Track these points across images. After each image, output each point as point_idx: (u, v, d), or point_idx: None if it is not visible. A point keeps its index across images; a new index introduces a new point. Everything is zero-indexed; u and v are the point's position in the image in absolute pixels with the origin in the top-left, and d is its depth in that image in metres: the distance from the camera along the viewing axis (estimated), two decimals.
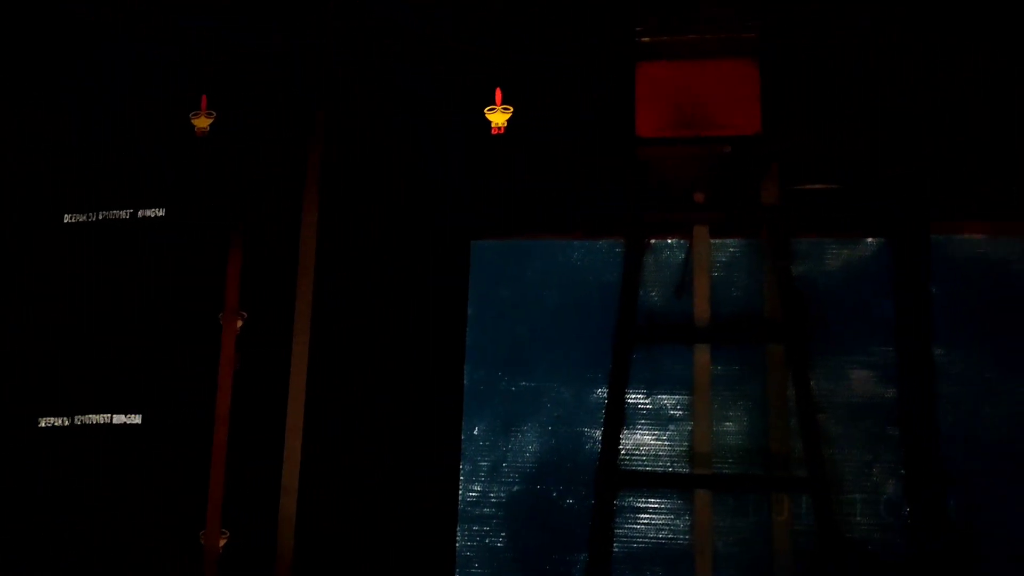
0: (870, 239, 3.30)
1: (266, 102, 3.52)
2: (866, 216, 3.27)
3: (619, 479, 3.07)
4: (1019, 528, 3.04)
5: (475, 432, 3.42)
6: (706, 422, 3.15)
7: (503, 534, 3.35)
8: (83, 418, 3.39)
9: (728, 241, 3.35)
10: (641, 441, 3.34)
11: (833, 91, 3.32)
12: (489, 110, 3.47)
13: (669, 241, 3.43)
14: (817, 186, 3.32)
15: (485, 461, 3.40)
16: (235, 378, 3.31)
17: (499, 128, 3.45)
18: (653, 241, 3.43)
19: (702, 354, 3.19)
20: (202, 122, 3.54)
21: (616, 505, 3.20)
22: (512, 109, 3.44)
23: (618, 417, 3.12)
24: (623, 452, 3.29)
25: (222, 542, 3.20)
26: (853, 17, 3.29)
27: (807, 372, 2.89)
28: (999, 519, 3.06)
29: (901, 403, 3.17)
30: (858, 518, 3.12)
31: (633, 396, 3.34)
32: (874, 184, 3.28)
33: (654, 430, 3.34)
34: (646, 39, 3.06)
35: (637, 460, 3.32)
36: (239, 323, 3.35)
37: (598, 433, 3.24)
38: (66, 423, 3.41)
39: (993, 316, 3.18)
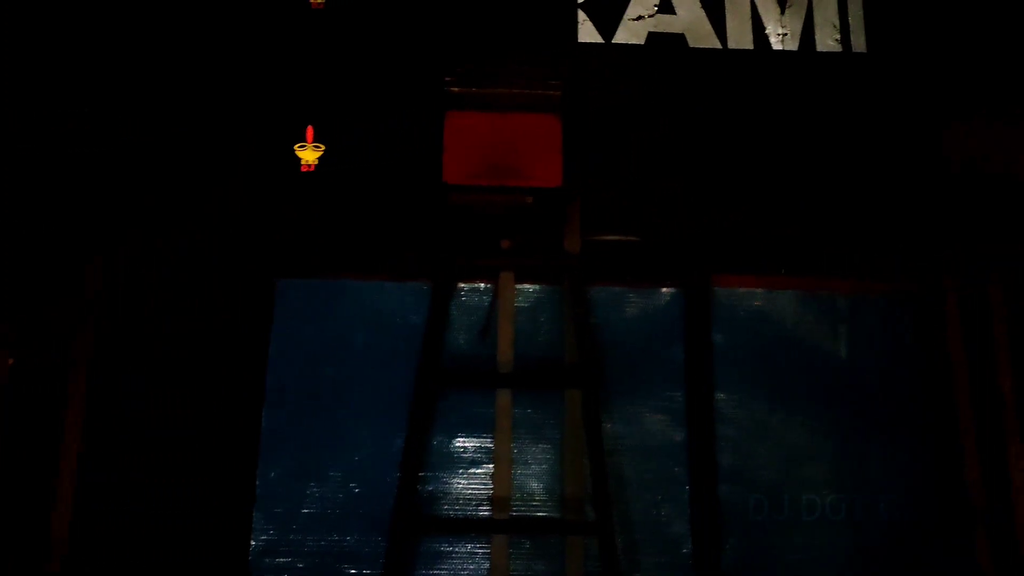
0: (664, 289, 3.46)
1: None
2: (658, 268, 3.43)
3: (414, 525, 3.02)
4: (789, 564, 3.25)
5: (271, 477, 3.26)
6: (506, 466, 3.16)
7: None
8: None
9: (533, 287, 3.42)
10: (442, 486, 3.30)
11: (632, 150, 3.49)
12: (299, 147, 3.37)
13: (479, 286, 3.45)
14: (617, 237, 3.46)
15: (280, 508, 3.24)
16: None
17: (309, 166, 3.37)
18: (462, 285, 3.45)
19: (504, 398, 3.22)
20: None
21: (416, 551, 3.15)
22: (324, 147, 3.37)
23: (416, 461, 3.08)
24: (424, 497, 3.24)
25: None
26: (652, 81, 3.50)
27: (599, 416, 2.98)
28: (773, 555, 3.26)
29: (689, 445, 3.33)
30: (645, 558, 3.22)
31: (436, 440, 3.31)
32: (668, 238, 3.46)
33: (455, 475, 3.32)
34: (455, 89, 3.10)
35: (438, 505, 3.28)
36: (9, 362, 3.04)
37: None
38: None
39: (767, 363, 3.42)
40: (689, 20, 3.52)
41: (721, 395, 3.38)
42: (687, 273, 3.41)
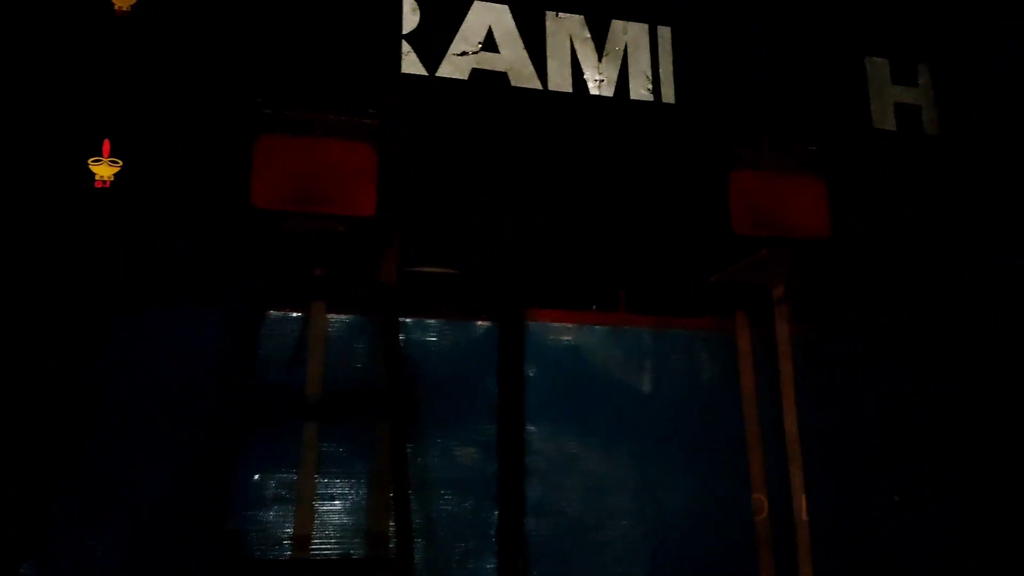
0: (479, 322, 3.47)
1: None
2: (474, 301, 3.44)
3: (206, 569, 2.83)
4: None
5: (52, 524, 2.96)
6: (308, 503, 3.03)
7: None
8: None
9: (347, 317, 3.32)
10: (248, 524, 3.11)
11: (453, 183, 3.50)
12: (94, 161, 3.13)
13: (291, 315, 3.31)
14: (433, 269, 3.44)
15: (63, 556, 2.94)
16: None
17: (104, 181, 3.13)
18: (272, 313, 3.30)
19: (310, 432, 3.09)
20: None
21: None
22: (121, 163, 3.15)
23: (218, 499, 2.89)
24: (229, 537, 3.05)
25: None
26: (474, 116, 3.54)
27: (404, 450, 2.92)
28: None
29: (500, 478, 3.33)
30: None
31: (242, 476, 3.13)
32: (484, 272, 3.48)
33: (260, 513, 3.15)
34: (269, 111, 2.99)
35: (242, 545, 3.09)
36: None
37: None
38: None
39: (577, 396, 3.49)
40: (512, 59, 3.59)
41: (532, 428, 3.40)
42: (502, 307, 3.43)
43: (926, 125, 4.17)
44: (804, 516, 3.43)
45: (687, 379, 3.63)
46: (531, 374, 3.46)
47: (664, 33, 3.88)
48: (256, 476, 3.15)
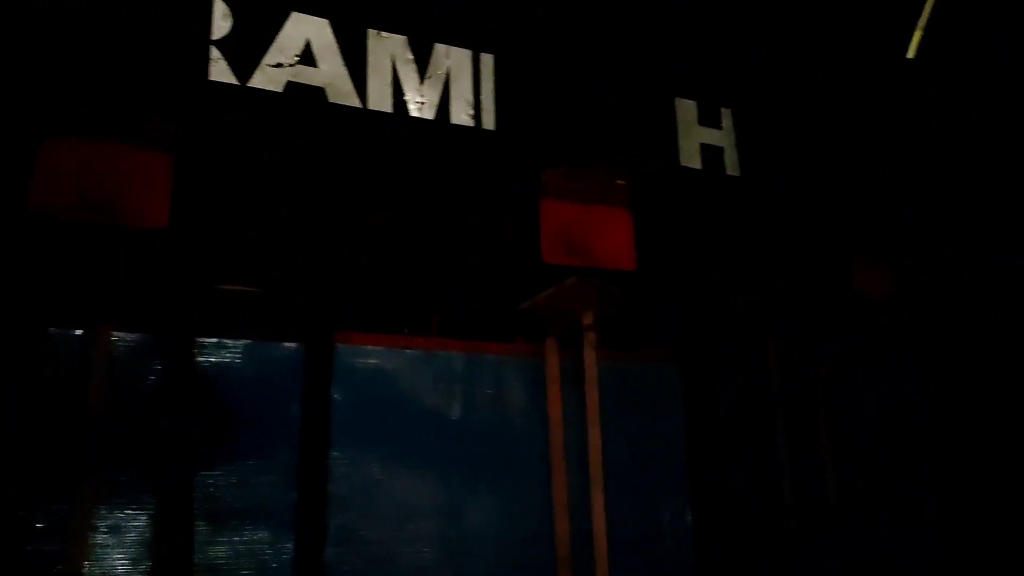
0: (286, 344, 3.34)
1: None
2: (282, 321, 3.31)
3: None
4: None
5: None
6: (84, 534, 2.79)
7: None
8: None
9: (135, 336, 3.10)
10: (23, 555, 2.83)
11: (264, 197, 3.35)
12: None
13: (75, 332, 3.05)
14: (238, 287, 3.28)
15: None
16: None
17: None
18: (53, 330, 3.02)
19: (89, 459, 2.85)
20: None
21: None
22: None
23: None
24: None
25: None
26: (288, 130, 3.41)
27: (193, 478, 2.75)
28: None
29: (300, 508, 3.20)
30: None
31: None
32: (293, 292, 3.36)
33: (35, 543, 2.87)
34: (57, 113, 2.74)
35: None
36: None
37: None
38: None
39: (386, 420, 3.44)
40: (330, 75, 3.49)
41: (337, 454, 3.31)
42: (310, 328, 3.33)
43: (728, 166, 4.45)
44: (603, 537, 3.53)
45: (496, 404, 3.67)
46: (338, 398, 3.37)
47: (487, 60, 3.91)
48: (30, 505, 2.87)
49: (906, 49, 5.08)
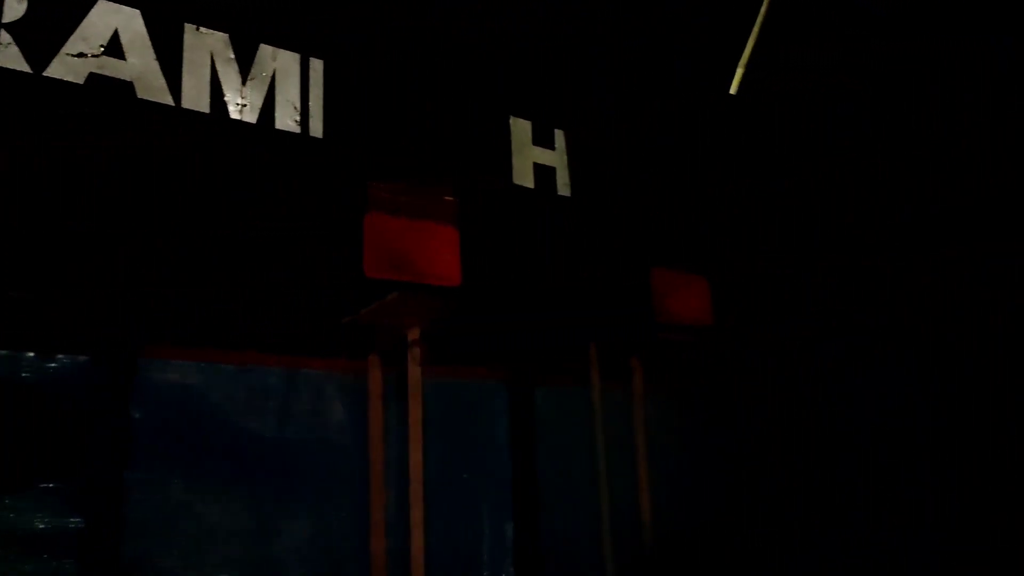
0: (82, 357, 3.07)
1: None
2: (76, 333, 3.04)
3: None
4: None
5: None
6: None
7: None
8: None
9: None
10: None
11: (61, 198, 3.08)
12: None
13: None
14: (27, 295, 2.99)
15: None
16: None
17: None
18: None
19: None
20: None
21: None
22: None
23: None
24: None
25: None
26: (91, 126, 3.15)
27: None
28: None
29: (88, 535, 2.94)
30: None
31: None
32: (91, 301, 3.10)
33: None
34: None
35: None
36: None
37: None
38: None
39: (192, 438, 3.23)
40: (140, 69, 3.26)
41: (135, 475, 3.08)
42: (109, 341, 3.07)
43: (559, 187, 4.54)
44: (420, 555, 3.47)
45: (315, 421, 3.53)
46: (138, 415, 3.12)
47: (316, 65, 3.79)
48: None
49: (730, 85, 5.41)
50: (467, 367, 3.97)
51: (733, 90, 5.40)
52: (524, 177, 4.37)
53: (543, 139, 4.48)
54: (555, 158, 4.51)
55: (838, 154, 4.98)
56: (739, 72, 5.39)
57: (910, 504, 4.19)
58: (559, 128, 4.51)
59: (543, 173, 4.44)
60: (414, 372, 3.65)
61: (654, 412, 4.49)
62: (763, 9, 5.15)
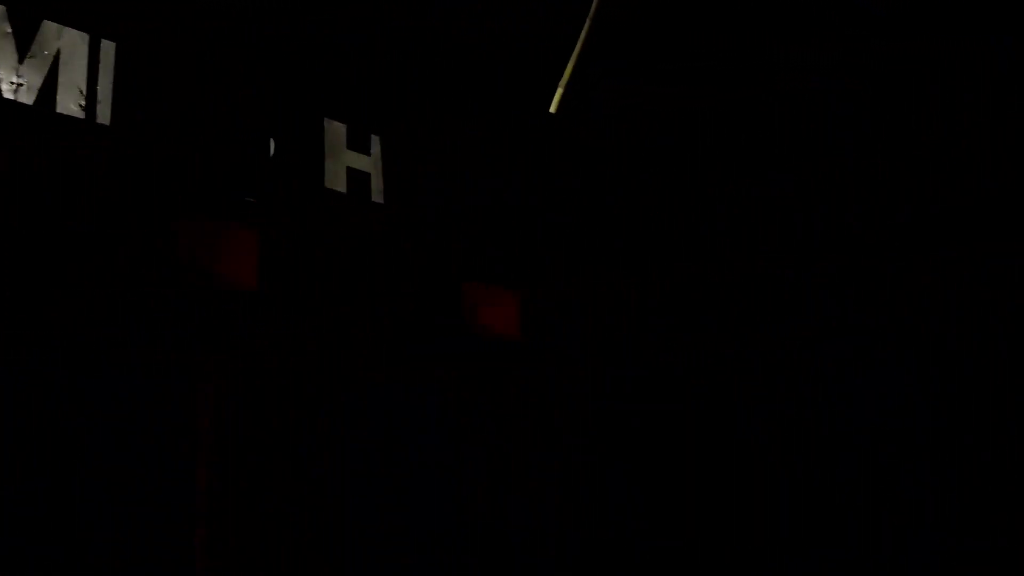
0: None
1: None
2: None
3: None
4: None
5: None
6: None
7: None
8: None
9: None
10: None
11: None
12: None
13: None
14: None
15: None
16: None
17: None
18: None
19: None
20: None
21: None
22: None
23: None
24: None
25: None
26: None
27: None
28: None
29: None
30: None
31: None
32: None
33: None
34: None
35: None
36: None
37: None
38: None
39: None
40: None
41: None
42: None
43: (373, 193, 4.46)
44: None
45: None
46: None
47: (108, 48, 3.52)
48: None
49: (550, 104, 5.55)
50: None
51: (552, 108, 5.57)
52: (337, 182, 4.27)
53: (359, 144, 4.40)
54: (370, 164, 4.44)
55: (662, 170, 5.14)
56: (559, 92, 5.57)
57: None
58: (376, 134, 4.45)
59: (357, 178, 4.36)
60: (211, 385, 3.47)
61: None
62: (583, 34, 5.35)
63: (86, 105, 3.37)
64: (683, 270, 4.96)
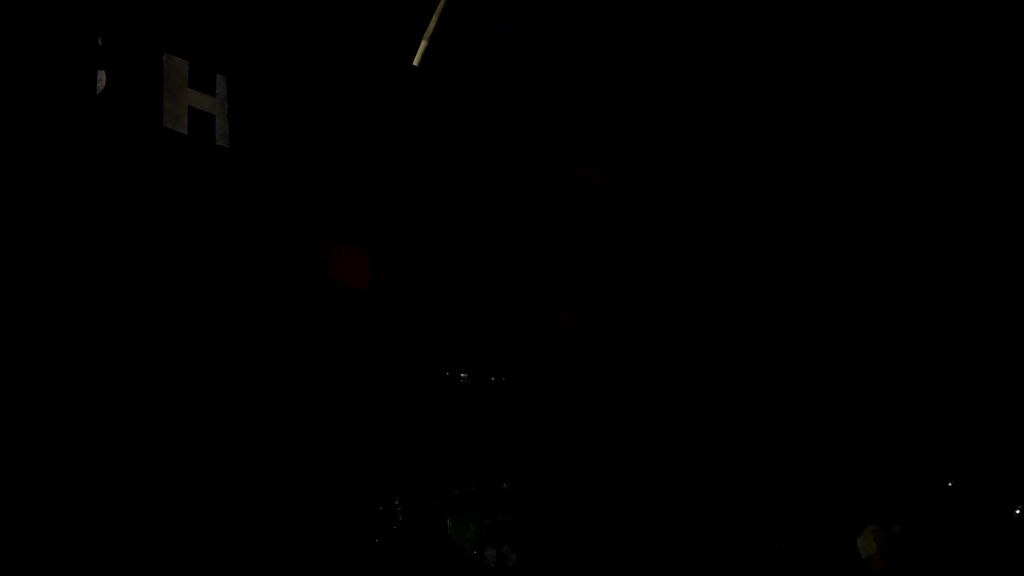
0: None
1: None
2: None
3: None
4: None
5: None
6: None
7: None
8: None
9: None
10: None
11: None
12: None
13: None
14: None
15: None
16: None
17: None
18: None
19: None
20: None
21: None
22: None
23: None
24: None
25: None
26: None
27: None
28: None
29: None
30: None
31: None
32: None
33: None
34: None
35: None
36: None
37: None
38: None
39: None
40: None
41: None
42: None
43: (218, 136, 4.25)
44: None
45: None
46: None
47: None
48: None
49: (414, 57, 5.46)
50: None
51: (416, 62, 5.48)
52: (177, 121, 4.04)
53: (202, 83, 4.17)
54: (215, 105, 4.22)
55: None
56: (423, 44, 5.48)
57: None
58: (222, 73, 4.22)
59: (199, 119, 4.13)
60: None
61: None
62: None
63: None
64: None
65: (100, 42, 3.73)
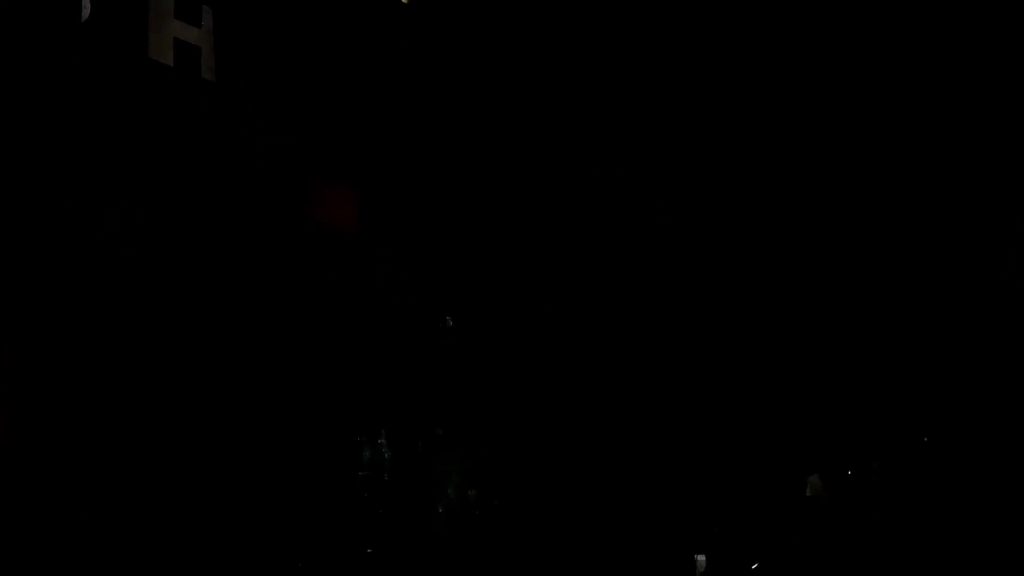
0: None
1: None
2: None
3: None
4: None
5: None
6: None
7: None
8: None
9: None
10: None
11: None
12: None
13: None
14: None
15: None
16: None
17: None
18: None
19: None
20: None
21: None
22: None
23: None
24: None
25: None
26: None
27: None
28: None
29: None
30: None
31: None
32: None
33: None
34: None
35: None
36: None
37: None
38: None
39: None
40: None
41: None
42: None
43: (204, 70, 4.17)
44: None
45: None
46: None
47: None
48: None
49: None
50: None
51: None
52: (162, 53, 3.95)
53: (188, 14, 4.06)
54: (201, 37, 4.12)
55: None
56: None
57: None
58: (207, 4, 4.12)
59: (185, 52, 4.05)
60: None
61: None
62: None
63: None
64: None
65: None
